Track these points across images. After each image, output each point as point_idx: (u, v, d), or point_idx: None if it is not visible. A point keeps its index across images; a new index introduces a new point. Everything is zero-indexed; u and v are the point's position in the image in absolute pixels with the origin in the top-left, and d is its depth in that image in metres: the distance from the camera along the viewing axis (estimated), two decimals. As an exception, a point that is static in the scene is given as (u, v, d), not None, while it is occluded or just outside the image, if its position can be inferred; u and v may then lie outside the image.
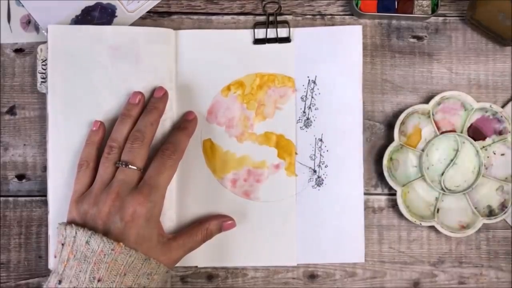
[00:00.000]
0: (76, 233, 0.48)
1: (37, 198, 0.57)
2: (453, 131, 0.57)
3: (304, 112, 0.57)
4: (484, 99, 0.57)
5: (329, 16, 0.58)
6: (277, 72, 0.57)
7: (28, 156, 0.57)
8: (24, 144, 0.57)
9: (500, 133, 0.57)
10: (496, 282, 0.57)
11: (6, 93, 0.57)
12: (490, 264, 0.57)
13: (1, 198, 0.56)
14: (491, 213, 0.56)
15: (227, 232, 0.55)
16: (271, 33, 0.57)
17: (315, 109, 0.57)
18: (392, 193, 0.57)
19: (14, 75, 0.57)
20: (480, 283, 0.57)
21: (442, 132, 0.56)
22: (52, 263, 0.54)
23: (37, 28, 0.57)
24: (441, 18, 0.58)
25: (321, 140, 0.57)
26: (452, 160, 0.56)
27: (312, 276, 0.57)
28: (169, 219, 0.54)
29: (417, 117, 0.56)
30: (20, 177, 0.57)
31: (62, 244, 0.49)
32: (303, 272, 0.57)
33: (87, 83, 0.54)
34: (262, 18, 0.57)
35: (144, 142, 0.51)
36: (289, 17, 0.57)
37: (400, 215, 0.56)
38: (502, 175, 0.57)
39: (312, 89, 0.57)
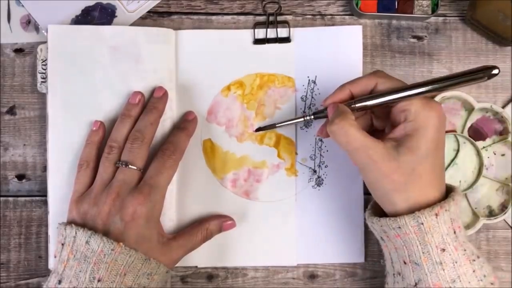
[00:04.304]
0: (76, 233, 0.48)
1: (37, 198, 0.57)
2: (454, 131, 0.56)
3: (304, 112, 0.57)
4: (484, 99, 0.57)
5: (329, 16, 0.58)
6: (277, 72, 0.57)
7: (28, 156, 0.57)
8: (24, 144, 0.57)
9: (500, 133, 0.57)
10: (496, 282, 0.57)
11: (6, 93, 0.57)
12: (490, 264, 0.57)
13: (1, 198, 0.56)
14: (491, 213, 0.56)
15: (227, 232, 0.55)
16: (271, 33, 0.57)
17: (315, 109, 0.56)
18: (392, 193, 0.57)
19: (14, 75, 0.57)
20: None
21: (442, 132, 0.56)
22: (52, 263, 0.54)
23: (37, 28, 0.57)
24: (441, 18, 0.58)
25: (321, 140, 0.57)
26: (452, 160, 0.56)
27: (312, 276, 0.57)
28: (169, 219, 0.54)
29: (417, 117, 0.56)
30: (20, 177, 0.57)
31: (62, 244, 0.49)
32: (303, 272, 0.57)
33: (87, 83, 0.54)
34: (262, 18, 0.57)
35: (144, 142, 0.51)
36: (289, 17, 0.57)
37: (400, 215, 0.56)
38: (502, 175, 0.57)
39: (312, 89, 0.57)
